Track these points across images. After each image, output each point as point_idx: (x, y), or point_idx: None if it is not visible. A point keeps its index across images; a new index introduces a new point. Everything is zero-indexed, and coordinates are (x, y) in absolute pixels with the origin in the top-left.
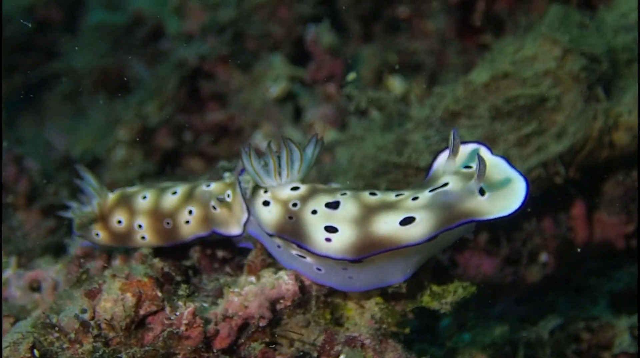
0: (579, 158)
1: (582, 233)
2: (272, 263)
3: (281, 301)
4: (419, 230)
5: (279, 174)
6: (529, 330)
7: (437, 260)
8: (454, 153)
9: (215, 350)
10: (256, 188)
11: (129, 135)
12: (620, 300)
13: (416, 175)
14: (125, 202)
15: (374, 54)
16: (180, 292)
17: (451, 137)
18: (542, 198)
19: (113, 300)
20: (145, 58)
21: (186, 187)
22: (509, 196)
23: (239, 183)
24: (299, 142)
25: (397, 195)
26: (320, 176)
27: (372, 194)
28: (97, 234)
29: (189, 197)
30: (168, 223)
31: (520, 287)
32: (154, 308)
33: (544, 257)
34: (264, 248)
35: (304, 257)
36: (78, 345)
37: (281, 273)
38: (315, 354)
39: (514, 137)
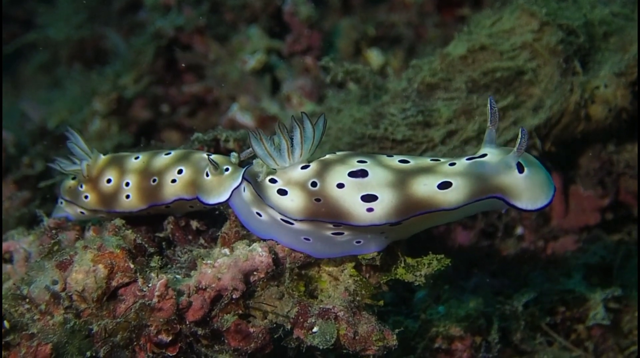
0: (555, 131)
1: (557, 207)
2: (246, 235)
3: (255, 273)
4: (454, 195)
5: (292, 154)
6: (503, 303)
7: None
8: (493, 122)
9: (188, 322)
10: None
11: (105, 107)
12: (595, 273)
13: (392, 148)
14: (118, 162)
15: (353, 27)
16: (153, 264)
17: (489, 107)
18: None
19: (84, 272)
20: (122, 29)
21: (182, 150)
22: (541, 186)
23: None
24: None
25: (431, 160)
26: None
27: (403, 161)
28: (86, 196)
29: (183, 158)
30: (154, 180)
31: (495, 260)
32: (126, 279)
33: (519, 230)
34: (238, 219)
35: (342, 233)
36: (49, 317)
37: (255, 245)
38: (288, 326)
39: None
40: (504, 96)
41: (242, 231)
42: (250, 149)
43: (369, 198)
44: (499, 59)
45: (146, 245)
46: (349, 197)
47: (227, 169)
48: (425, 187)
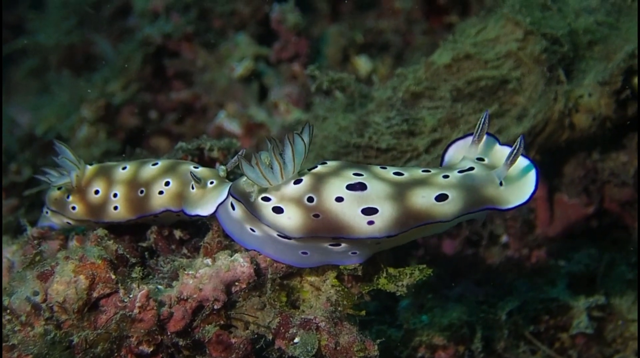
0: (540, 140)
1: (542, 215)
2: (228, 245)
3: (236, 283)
4: (451, 207)
5: (284, 171)
6: (487, 312)
7: None
8: (479, 138)
9: (169, 333)
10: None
11: (93, 113)
12: (579, 281)
13: (376, 156)
14: (105, 173)
15: (341, 33)
16: (134, 275)
17: (480, 122)
18: None
19: (66, 283)
20: (112, 36)
21: (169, 161)
22: (522, 184)
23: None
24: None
25: (423, 171)
26: None
27: (397, 173)
28: (73, 208)
29: (170, 169)
30: (142, 192)
31: (480, 268)
32: (107, 290)
33: (504, 238)
34: (220, 229)
35: (339, 245)
36: (29, 328)
37: (237, 255)
38: (270, 337)
39: (475, 118)
40: (488, 104)
41: (225, 241)
42: (236, 158)
43: (369, 211)
44: (483, 68)
45: (128, 256)
46: (349, 211)
47: (212, 183)
48: (423, 199)
